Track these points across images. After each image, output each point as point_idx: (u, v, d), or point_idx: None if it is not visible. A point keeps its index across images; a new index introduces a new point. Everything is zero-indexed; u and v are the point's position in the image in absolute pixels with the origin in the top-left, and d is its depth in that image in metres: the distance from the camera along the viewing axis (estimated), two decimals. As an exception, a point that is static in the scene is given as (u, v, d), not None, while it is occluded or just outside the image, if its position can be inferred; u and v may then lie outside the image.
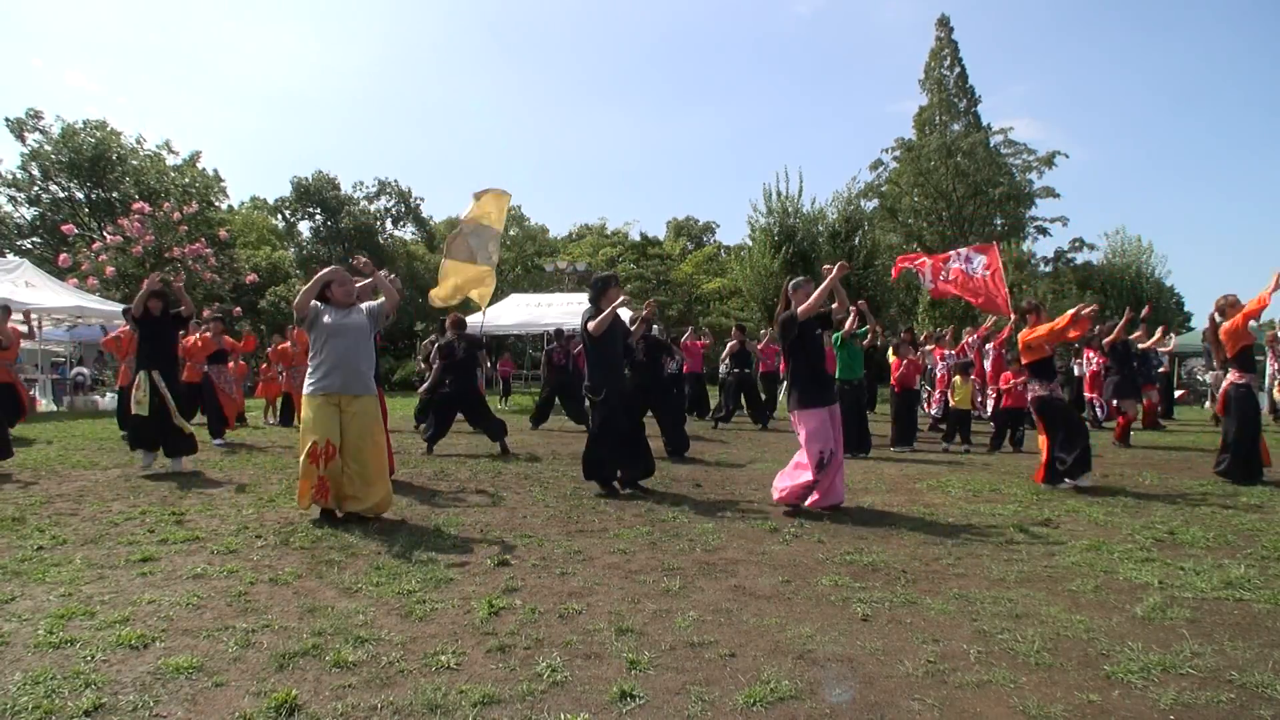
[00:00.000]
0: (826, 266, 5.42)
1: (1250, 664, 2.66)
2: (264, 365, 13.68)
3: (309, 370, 5.01)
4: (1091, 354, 12.13)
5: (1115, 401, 10.23)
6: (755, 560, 4.04)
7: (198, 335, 9.85)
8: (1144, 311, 11.62)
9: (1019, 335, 6.78)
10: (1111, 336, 10.16)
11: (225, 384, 9.93)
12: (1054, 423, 6.39)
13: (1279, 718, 2.29)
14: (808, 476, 5.21)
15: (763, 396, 12.98)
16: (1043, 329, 6.42)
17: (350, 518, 4.89)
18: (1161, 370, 13.09)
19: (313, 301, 5.01)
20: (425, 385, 10.34)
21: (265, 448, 9.22)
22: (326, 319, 4.96)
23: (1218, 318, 6.83)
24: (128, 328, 9.55)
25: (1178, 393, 13.93)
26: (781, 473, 5.55)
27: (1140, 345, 10.74)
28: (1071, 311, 6.34)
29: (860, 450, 8.49)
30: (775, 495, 5.37)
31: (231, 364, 10.34)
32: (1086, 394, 12.31)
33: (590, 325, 5.92)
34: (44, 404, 16.30)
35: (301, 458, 4.81)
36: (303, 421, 4.98)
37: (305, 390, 4.97)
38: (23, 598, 3.32)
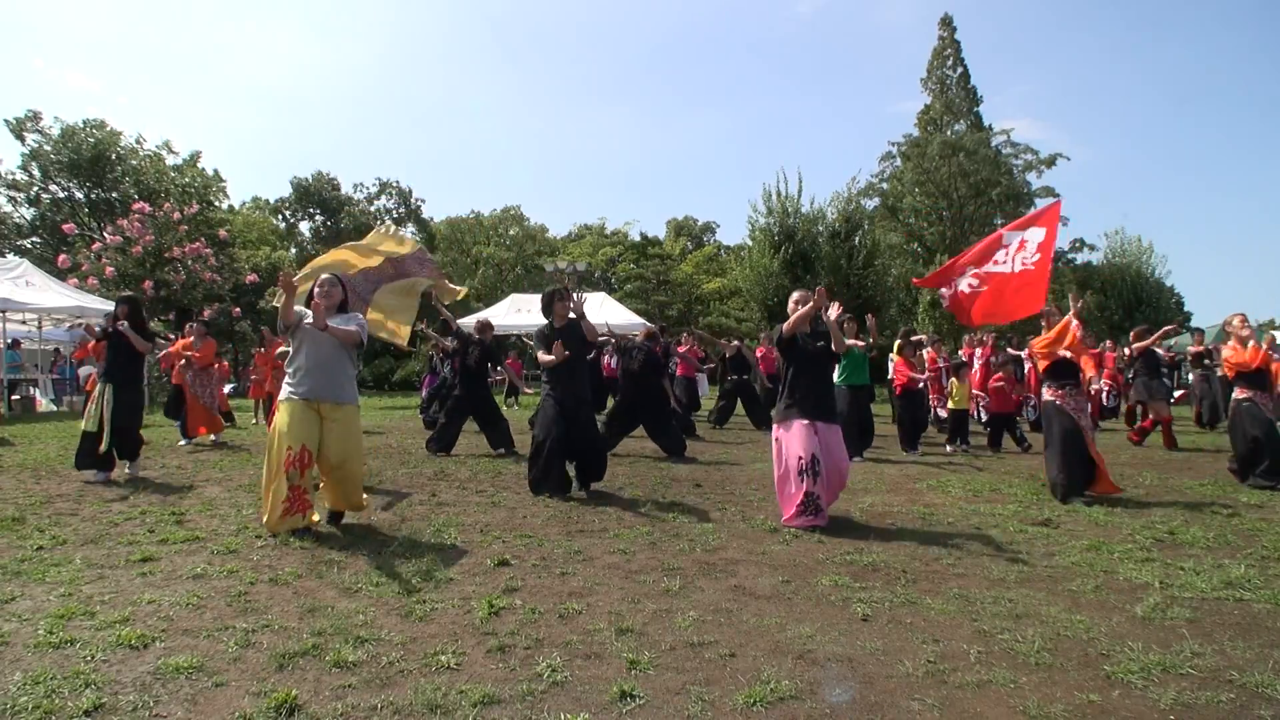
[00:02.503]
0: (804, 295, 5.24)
1: (1250, 664, 2.66)
2: (251, 366, 13.66)
3: (286, 375, 4.75)
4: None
5: (1146, 404, 10.20)
6: (755, 560, 4.04)
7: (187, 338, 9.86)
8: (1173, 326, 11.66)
9: (1030, 342, 6.69)
10: (1143, 344, 10.15)
11: (209, 385, 9.88)
12: (1049, 432, 6.13)
13: (1279, 717, 2.29)
14: (799, 489, 4.92)
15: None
16: (1044, 339, 6.24)
17: (339, 519, 4.86)
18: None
19: (297, 308, 4.84)
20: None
21: (264, 448, 9.21)
22: (307, 322, 4.75)
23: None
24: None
25: (1176, 393, 13.92)
26: (781, 500, 5.20)
27: (1136, 346, 10.68)
28: (1065, 320, 6.12)
29: (856, 453, 8.49)
30: (786, 520, 5.03)
31: (214, 365, 10.28)
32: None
33: (541, 358, 6.01)
34: (44, 404, 16.29)
35: (270, 466, 4.51)
36: (275, 427, 4.61)
37: (281, 395, 4.69)
38: (23, 598, 3.32)
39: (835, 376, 8.22)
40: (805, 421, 5.05)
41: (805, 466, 4.92)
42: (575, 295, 6.28)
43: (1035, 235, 7.28)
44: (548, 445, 5.89)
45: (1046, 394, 6.19)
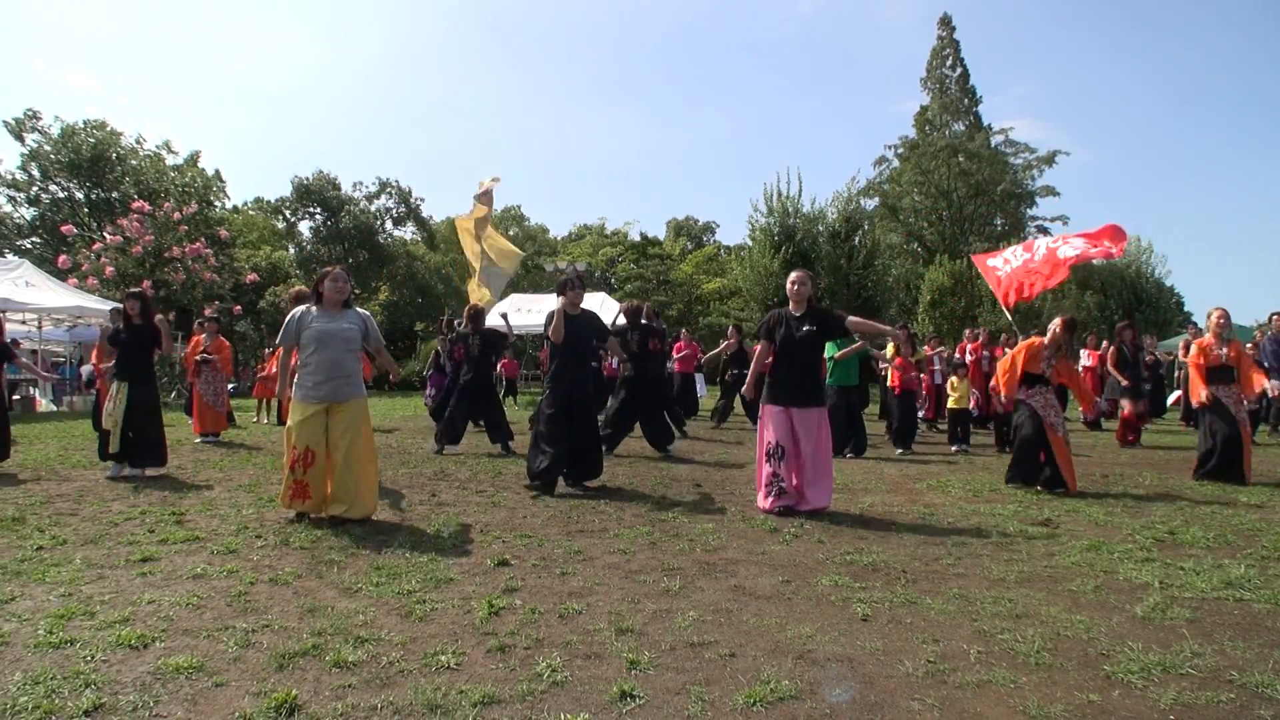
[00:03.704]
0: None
1: (1250, 664, 2.66)
2: (259, 365, 13.67)
3: (299, 374, 4.97)
4: (1084, 351, 12.20)
5: (1117, 399, 10.24)
6: (755, 560, 4.04)
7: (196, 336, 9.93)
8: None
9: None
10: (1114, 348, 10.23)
11: (216, 384, 9.90)
12: (1015, 427, 6.56)
13: (1279, 718, 2.29)
14: (765, 471, 5.29)
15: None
16: (1010, 356, 6.58)
17: (339, 519, 4.82)
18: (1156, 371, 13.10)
19: (297, 310, 5.05)
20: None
21: (264, 447, 9.22)
22: (315, 325, 4.92)
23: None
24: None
25: (1175, 394, 13.91)
26: (757, 482, 5.52)
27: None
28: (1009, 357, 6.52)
29: (855, 452, 8.52)
30: (760, 506, 5.33)
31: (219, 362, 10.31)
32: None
33: (549, 332, 6.18)
34: (44, 404, 16.29)
35: (286, 453, 4.91)
36: (289, 423, 4.95)
37: (295, 394, 4.94)
38: (23, 598, 3.32)
39: (826, 377, 8.32)
40: (779, 407, 5.31)
41: (770, 450, 5.25)
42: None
43: (1084, 248, 8.83)
44: (549, 435, 6.00)
45: (1020, 394, 6.50)
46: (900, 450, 9.01)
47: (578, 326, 6.22)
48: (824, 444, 5.36)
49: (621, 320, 9.13)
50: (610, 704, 2.35)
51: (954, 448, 9.26)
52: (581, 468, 6.19)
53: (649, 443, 8.54)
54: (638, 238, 45.15)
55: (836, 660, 2.70)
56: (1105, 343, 12.61)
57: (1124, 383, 9.94)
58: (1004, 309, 9.71)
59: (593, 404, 6.60)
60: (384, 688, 2.45)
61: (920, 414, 11.51)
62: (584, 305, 6.44)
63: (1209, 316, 7.08)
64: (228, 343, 10.75)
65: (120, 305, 7.27)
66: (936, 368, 11.47)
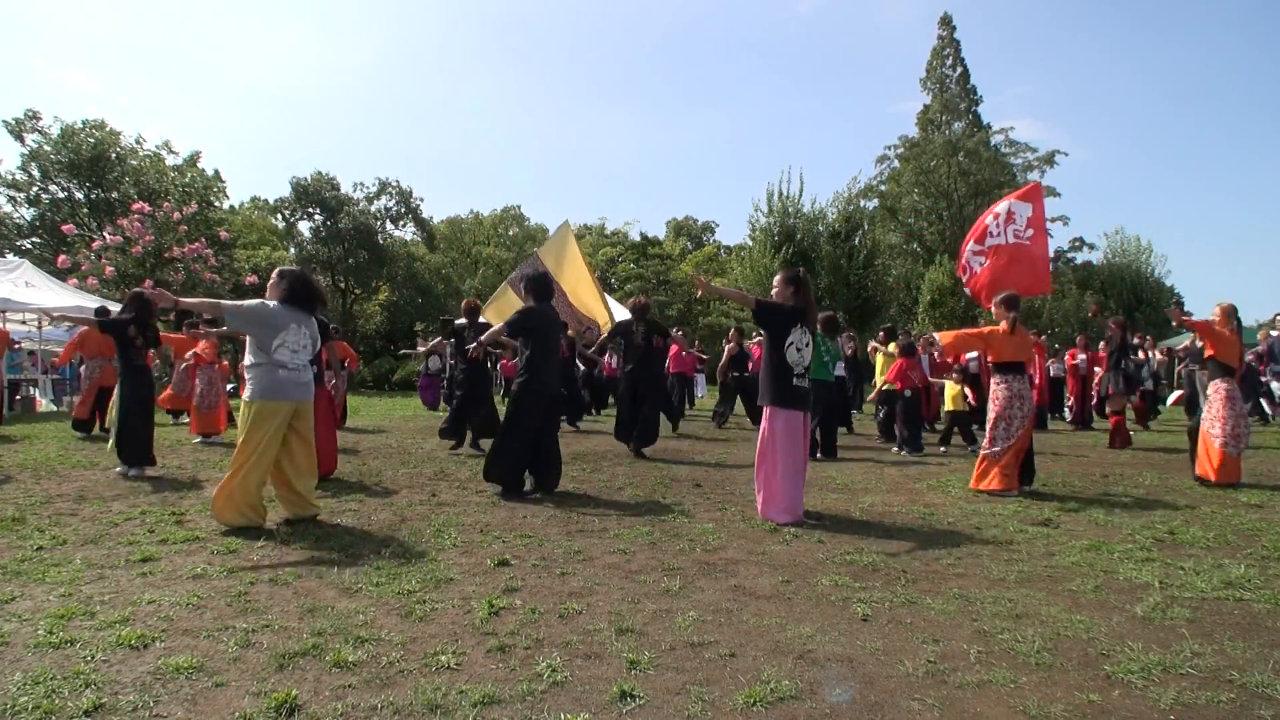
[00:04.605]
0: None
1: (1250, 664, 2.66)
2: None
3: None
4: (1077, 353, 12.23)
5: (1106, 398, 10.24)
6: (755, 560, 4.04)
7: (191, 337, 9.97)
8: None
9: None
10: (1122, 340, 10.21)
11: (217, 383, 9.90)
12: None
13: (1279, 718, 2.29)
14: None
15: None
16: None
17: (335, 521, 4.88)
18: (1153, 370, 13.11)
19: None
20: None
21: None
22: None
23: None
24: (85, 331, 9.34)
25: (1175, 394, 13.90)
26: None
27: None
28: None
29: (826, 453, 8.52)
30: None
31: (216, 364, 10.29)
32: (1069, 395, 12.40)
33: (497, 334, 6.36)
34: (44, 404, 16.28)
35: None
36: None
37: None
38: (23, 598, 3.32)
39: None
40: None
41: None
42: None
43: (1021, 209, 7.92)
44: (516, 438, 5.99)
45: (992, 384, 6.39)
46: (900, 451, 8.99)
47: (544, 330, 6.08)
48: (761, 445, 5.10)
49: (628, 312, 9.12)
50: (610, 704, 2.35)
51: (942, 448, 9.23)
52: (546, 475, 6.13)
53: (633, 439, 8.52)
54: (638, 238, 45.17)
55: (836, 660, 2.70)
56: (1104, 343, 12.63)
57: (1092, 391, 9.96)
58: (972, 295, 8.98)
59: (555, 410, 6.20)
60: (384, 688, 2.45)
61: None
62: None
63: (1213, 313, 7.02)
64: (215, 340, 10.65)
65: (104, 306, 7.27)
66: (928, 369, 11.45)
